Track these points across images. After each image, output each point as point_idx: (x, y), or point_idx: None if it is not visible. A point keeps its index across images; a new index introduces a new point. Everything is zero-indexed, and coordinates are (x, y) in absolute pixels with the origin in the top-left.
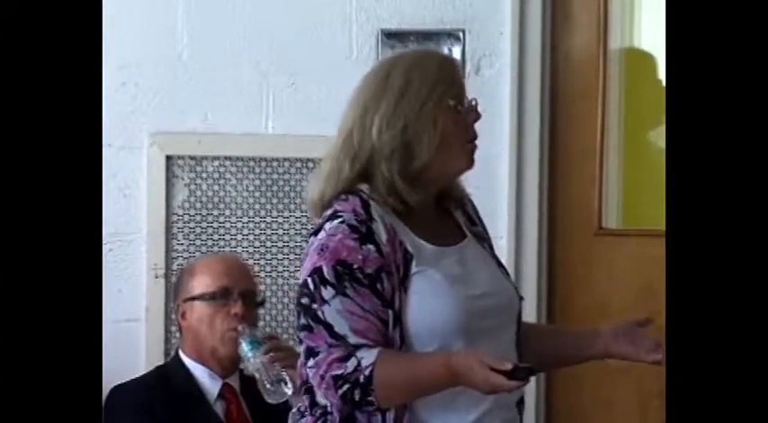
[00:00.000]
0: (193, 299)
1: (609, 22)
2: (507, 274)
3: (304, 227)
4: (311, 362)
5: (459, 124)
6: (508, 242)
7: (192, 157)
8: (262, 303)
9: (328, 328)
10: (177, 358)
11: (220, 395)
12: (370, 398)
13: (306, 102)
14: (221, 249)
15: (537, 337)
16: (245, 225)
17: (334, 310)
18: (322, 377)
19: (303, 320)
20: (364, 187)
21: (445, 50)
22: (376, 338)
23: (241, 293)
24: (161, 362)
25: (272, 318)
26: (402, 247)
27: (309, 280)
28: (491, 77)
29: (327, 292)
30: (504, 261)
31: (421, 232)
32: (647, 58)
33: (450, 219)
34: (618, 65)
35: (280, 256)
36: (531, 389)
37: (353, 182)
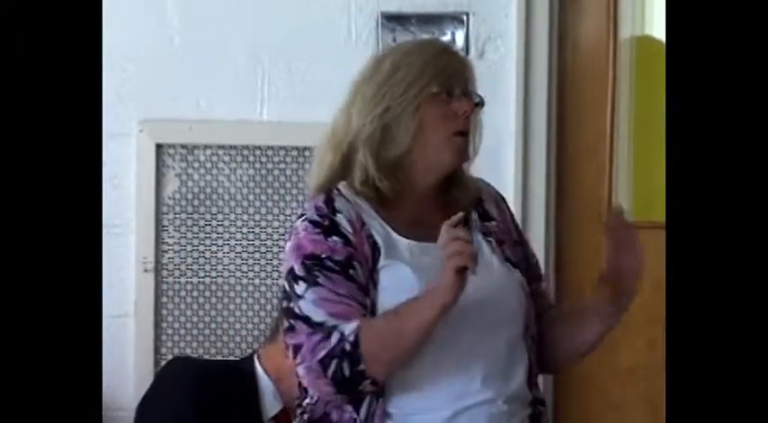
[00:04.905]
0: None
1: (619, 5)
2: (516, 268)
3: None
4: (299, 358)
5: (446, 115)
6: None
7: (183, 146)
8: None
9: (306, 320)
10: (251, 362)
11: (275, 418)
12: (360, 367)
13: (302, 87)
14: (214, 243)
15: (562, 326)
16: (239, 217)
17: (308, 302)
18: (309, 368)
19: (287, 323)
20: (341, 184)
21: (448, 34)
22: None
23: None
24: (150, 359)
25: (266, 314)
26: (370, 239)
27: (286, 283)
28: (496, 62)
29: (300, 287)
30: None
31: (399, 226)
32: (658, 43)
33: (452, 213)
34: (629, 50)
35: (275, 249)
36: None
37: (338, 171)
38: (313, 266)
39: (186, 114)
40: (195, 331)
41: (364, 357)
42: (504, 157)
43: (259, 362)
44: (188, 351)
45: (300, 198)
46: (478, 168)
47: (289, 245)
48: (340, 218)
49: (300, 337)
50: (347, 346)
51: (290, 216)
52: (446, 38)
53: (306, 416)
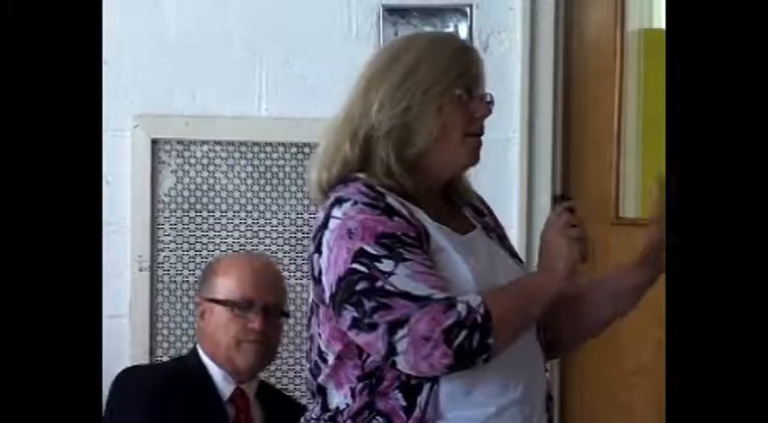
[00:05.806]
0: (214, 301)
1: None
2: (521, 263)
3: (299, 216)
4: (402, 332)
5: (466, 116)
6: (519, 232)
7: (179, 141)
8: (286, 314)
9: (406, 295)
10: (195, 353)
11: (232, 399)
12: (489, 339)
13: (302, 82)
14: (211, 241)
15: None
16: (237, 214)
17: (403, 277)
18: (426, 338)
19: (372, 303)
20: (361, 175)
21: (451, 27)
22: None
23: (264, 307)
24: (146, 360)
25: None
26: (420, 223)
27: (357, 265)
28: (500, 56)
29: (386, 265)
30: None
31: (431, 217)
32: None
33: (458, 211)
34: (637, 43)
35: (273, 248)
36: None
37: (353, 164)
38: (393, 244)
39: (182, 109)
40: (191, 331)
41: (495, 329)
42: (509, 152)
43: (201, 348)
44: (184, 351)
45: (299, 195)
46: (484, 164)
47: (336, 233)
48: (391, 200)
49: (402, 311)
50: (479, 318)
51: (288, 213)
52: (449, 31)
53: (340, 417)
